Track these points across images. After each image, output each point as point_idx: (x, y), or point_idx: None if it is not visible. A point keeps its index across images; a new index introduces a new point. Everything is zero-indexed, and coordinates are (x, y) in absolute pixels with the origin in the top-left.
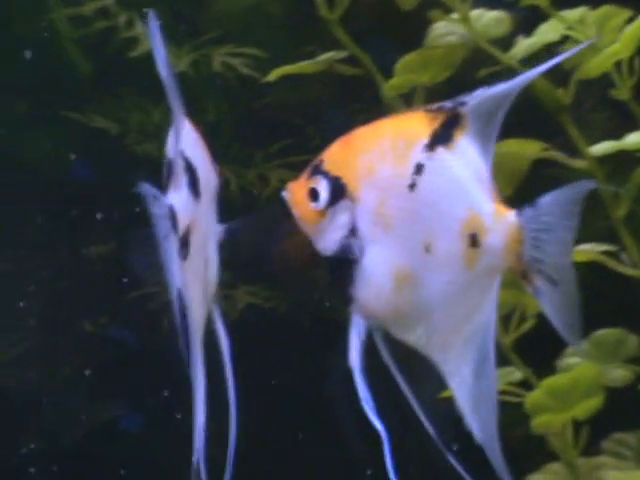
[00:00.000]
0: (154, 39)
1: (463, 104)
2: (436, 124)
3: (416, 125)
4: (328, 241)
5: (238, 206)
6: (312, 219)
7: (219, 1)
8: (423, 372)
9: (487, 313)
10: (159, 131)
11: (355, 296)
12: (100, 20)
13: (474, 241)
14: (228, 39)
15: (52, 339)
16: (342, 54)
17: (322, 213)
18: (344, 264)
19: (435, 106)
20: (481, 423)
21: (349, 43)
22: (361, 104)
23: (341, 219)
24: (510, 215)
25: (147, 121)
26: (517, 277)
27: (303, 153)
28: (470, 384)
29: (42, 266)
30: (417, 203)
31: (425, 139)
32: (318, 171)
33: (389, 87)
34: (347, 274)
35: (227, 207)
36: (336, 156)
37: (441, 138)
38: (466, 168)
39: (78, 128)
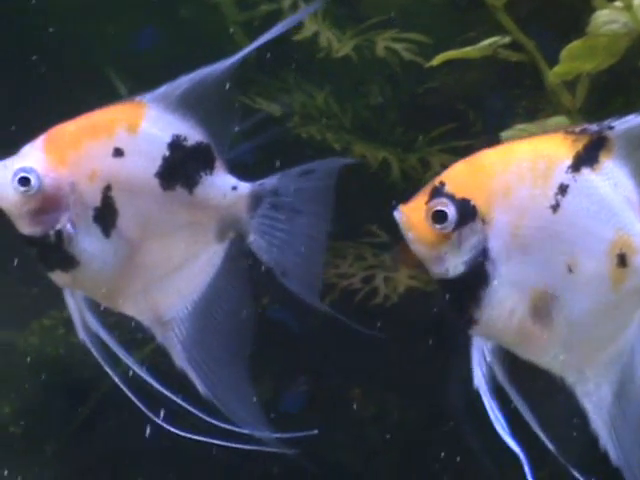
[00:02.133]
0: None
1: (611, 128)
2: (579, 146)
3: (556, 147)
4: (452, 263)
5: (399, 190)
6: (433, 241)
7: None
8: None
9: (635, 334)
10: (322, 114)
11: (479, 318)
12: (265, 3)
13: (622, 261)
14: (391, 24)
15: None
16: (506, 40)
17: (448, 235)
18: (470, 286)
19: (578, 128)
20: (620, 445)
21: (514, 29)
22: (521, 90)
23: (470, 241)
24: None
25: (310, 104)
26: None
27: (464, 138)
28: (609, 405)
29: None
30: (560, 223)
31: (568, 160)
32: (441, 194)
33: (554, 74)
34: (472, 296)
35: (389, 191)
36: (461, 178)
37: (586, 160)
38: (614, 190)
39: (242, 110)
